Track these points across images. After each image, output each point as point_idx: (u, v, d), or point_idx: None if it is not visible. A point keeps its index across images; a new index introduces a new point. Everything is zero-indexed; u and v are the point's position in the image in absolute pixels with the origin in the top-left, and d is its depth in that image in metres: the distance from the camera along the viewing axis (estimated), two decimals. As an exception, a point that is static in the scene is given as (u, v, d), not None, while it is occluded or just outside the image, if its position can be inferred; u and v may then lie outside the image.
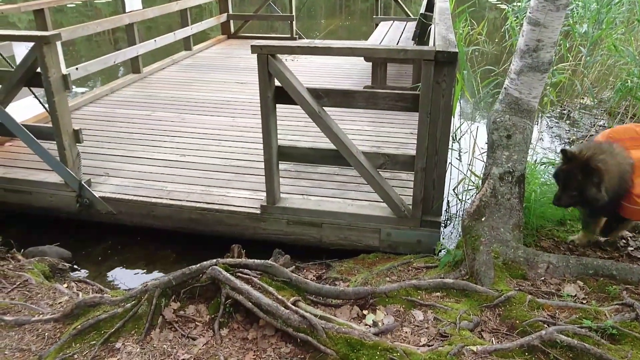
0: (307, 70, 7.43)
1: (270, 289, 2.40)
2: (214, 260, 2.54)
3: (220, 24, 9.39)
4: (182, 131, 5.08)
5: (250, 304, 2.34)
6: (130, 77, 6.93)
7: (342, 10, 18.69)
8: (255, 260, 2.58)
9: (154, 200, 3.75)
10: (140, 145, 4.75)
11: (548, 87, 4.89)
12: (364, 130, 5.06)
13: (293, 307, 2.31)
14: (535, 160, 4.11)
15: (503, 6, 6.88)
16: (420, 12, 6.19)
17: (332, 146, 3.34)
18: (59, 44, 3.47)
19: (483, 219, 2.95)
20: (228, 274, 2.43)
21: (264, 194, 3.62)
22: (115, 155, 4.52)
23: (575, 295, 2.53)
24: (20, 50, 3.58)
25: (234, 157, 4.47)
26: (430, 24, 5.44)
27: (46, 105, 3.67)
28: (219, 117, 5.50)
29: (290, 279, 2.54)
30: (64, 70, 3.60)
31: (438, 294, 2.58)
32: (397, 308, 2.49)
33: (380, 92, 3.23)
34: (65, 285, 3.04)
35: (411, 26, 7.51)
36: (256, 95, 6.00)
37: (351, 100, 3.24)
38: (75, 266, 3.57)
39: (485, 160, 3.19)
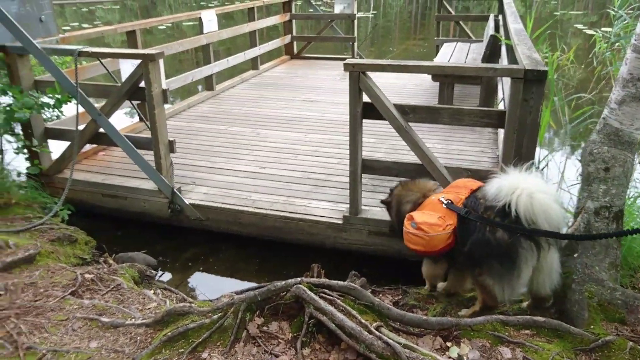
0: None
1: (354, 312, 2.39)
2: (298, 278, 2.56)
3: (284, 45, 9.72)
4: (259, 145, 5.27)
5: (334, 325, 2.33)
6: (205, 94, 7.29)
7: (417, 31, 18.62)
8: (339, 282, 2.58)
9: (240, 208, 3.93)
10: (222, 157, 4.96)
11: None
12: (434, 147, 5.03)
13: (377, 332, 2.28)
14: (633, 196, 3.84)
15: (590, 31, 6.57)
16: (490, 33, 6.09)
17: (413, 160, 3.42)
18: (161, 61, 3.72)
19: (575, 255, 2.80)
20: (312, 294, 2.44)
21: (344, 205, 3.74)
22: (199, 166, 4.74)
23: (683, 346, 2.33)
24: (126, 67, 3.86)
25: (311, 171, 4.60)
26: (500, 44, 5.33)
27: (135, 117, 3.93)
28: (292, 133, 5.64)
29: (372, 303, 2.51)
30: (164, 85, 3.85)
31: (527, 331, 2.45)
32: (483, 343, 2.39)
33: (465, 108, 3.31)
34: (152, 291, 3.18)
35: (475, 47, 7.39)
36: (324, 112, 6.22)
37: (437, 116, 3.31)
38: (160, 272, 3.74)
39: (577, 193, 3.04)
